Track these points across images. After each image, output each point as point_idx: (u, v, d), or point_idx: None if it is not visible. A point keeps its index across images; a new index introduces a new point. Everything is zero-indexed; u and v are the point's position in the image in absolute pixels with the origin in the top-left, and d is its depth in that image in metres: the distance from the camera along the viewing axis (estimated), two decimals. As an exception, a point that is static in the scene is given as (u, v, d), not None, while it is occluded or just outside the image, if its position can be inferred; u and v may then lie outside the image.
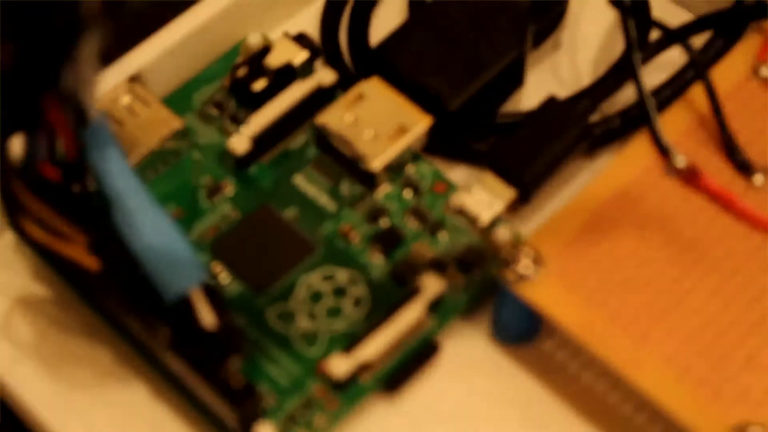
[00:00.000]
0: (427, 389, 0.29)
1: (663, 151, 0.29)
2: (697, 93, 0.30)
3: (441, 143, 0.31)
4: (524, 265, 0.27)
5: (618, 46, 0.33)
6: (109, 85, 0.31)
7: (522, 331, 0.29)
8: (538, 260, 0.27)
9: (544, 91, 0.31)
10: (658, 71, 0.32)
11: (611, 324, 0.27)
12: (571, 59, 0.33)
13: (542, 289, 0.27)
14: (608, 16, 0.34)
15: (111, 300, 0.27)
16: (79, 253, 0.27)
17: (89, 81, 0.26)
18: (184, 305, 0.26)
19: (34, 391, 0.28)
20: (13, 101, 0.25)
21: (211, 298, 0.26)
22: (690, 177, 0.29)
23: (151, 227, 0.26)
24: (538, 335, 0.29)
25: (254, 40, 0.32)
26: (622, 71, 0.31)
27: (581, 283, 0.27)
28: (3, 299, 0.29)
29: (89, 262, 0.27)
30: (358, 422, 0.28)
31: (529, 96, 0.32)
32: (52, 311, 0.30)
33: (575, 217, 0.28)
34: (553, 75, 0.33)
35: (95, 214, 0.27)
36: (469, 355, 0.29)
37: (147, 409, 0.28)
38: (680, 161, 0.29)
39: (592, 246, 0.28)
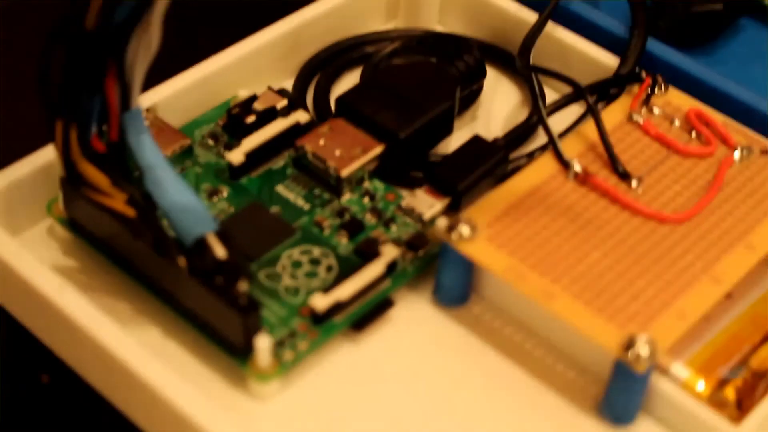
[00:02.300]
0: (383, 335, 0.35)
1: (564, 164, 0.37)
2: (587, 128, 0.38)
3: (386, 171, 0.38)
4: (464, 229, 0.34)
5: (522, 118, 0.41)
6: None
7: (457, 293, 0.35)
8: (473, 226, 0.35)
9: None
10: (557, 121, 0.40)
11: (530, 270, 0.34)
12: (485, 126, 0.41)
13: (477, 246, 0.34)
14: (514, 99, 0.42)
15: (141, 242, 0.33)
16: (120, 205, 0.33)
17: (142, 67, 0.33)
18: (200, 246, 0.32)
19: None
20: (83, 62, 0.32)
21: (222, 239, 0.33)
22: (584, 179, 0.36)
23: (175, 190, 0.33)
24: (469, 300, 0.36)
25: (244, 93, 0.39)
26: (529, 119, 0.40)
27: (506, 244, 0.34)
28: (44, 269, 0.34)
29: (128, 211, 0.33)
30: (330, 354, 0.34)
31: (455, 144, 0.40)
32: (81, 277, 0.35)
33: (499, 203, 0.35)
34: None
35: (131, 178, 0.34)
36: (415, 313, 0.35)
37: (163, 343, 0.34)
38: (577, 166, 0.36)
39: (514, 221, 0.35)
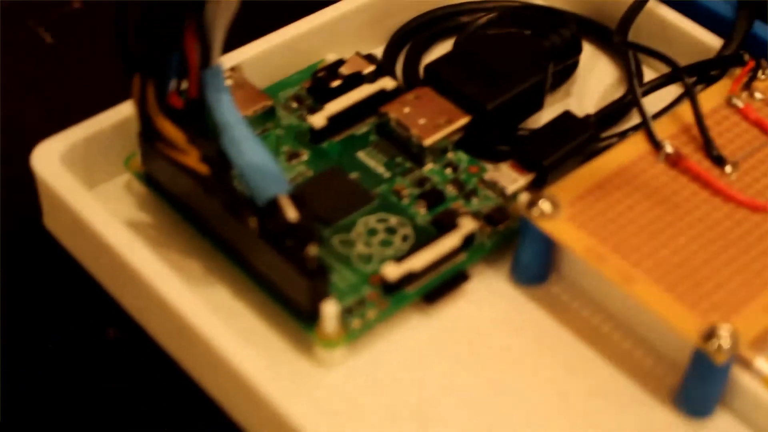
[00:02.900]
0: (455, 310, 0.33)
1: (655, 145, 0.35)
2: (683, 110, 0.36)
3: (471, 143, 0.37)
4: (545, 206, 0.33)
5: (617, 97, 0.39)
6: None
7: (536, 271, 0.34)
8: (555, 204, 0.33)
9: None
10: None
11: (611, 251, 0.32)
12: (578, 103, 0.40)
13: (558, 224, 0.33)
14: (610, 77, 0.41)
15: (214, 199, 0.32)
16: (194, 162, 0.32)
17: (223, 24, 0.32)
18: (273, 207, 0.31)
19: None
20: (161, 18, 0.31)
21: (295, 201, 0.32)
22: (676, 161, 0.34)
23: (251, 150, 0.32)
24: (548, 280, 0.34)
25: (332, 57, 0.38)
26: (624, 97, 0.38)
27: (588, 223, 0.33)
28: (116, 223, 0.34)
29: (202, 168, 0.32)
30: (399, 325, 0.33)
31: (545, 119, 0.38)
32: (153, 232, 0.35)
33: (583, 181, 0.34)
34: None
35: (207, 135, 0.33)
36: (491, 289, 0.34)
37: (230, 304, 0.33)
38: (668, 148, 0.35)
39: (597, 201, 0.33)
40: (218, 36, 0.32)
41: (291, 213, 0.31)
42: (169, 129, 0.32)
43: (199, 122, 0.33)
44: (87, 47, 0.43)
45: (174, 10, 0.31)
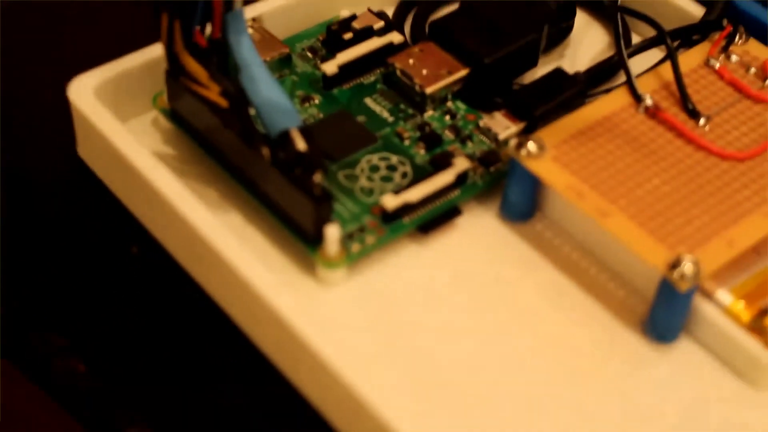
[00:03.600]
0: (448, 241, 0.36)
1: (636, 98, 0.38)
2: (665, 69, 0.39)
3: (470, 95, 0.39)
4: (532, 147, 0.36)
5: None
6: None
7: (522, 209, 0.37)
8: (541, 146, 0.36)
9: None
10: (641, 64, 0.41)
11: (590, 189, 0.35)
12: (570, 64, 0.43)
13: (542, 163, 0.35)
14: (602, 43, 0.43)
15: (232, 131, 0.35)
16: (215, 96, 0.35)
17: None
18: (284, 139, 0.34)
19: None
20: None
21: (304, 135, 0.34)
22: (654, 113, 0.37)
23: (267, 87, 0.35)
24: (533, 218, 0.37)
25: (345, 13, 0.41)
26: (611, 58, 0.41)
27: (570, 164, 0.35)
28: (143, 150, 0.36)
29: (221, 102, 0.35)
30: (396, 252, 0.36)
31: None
32: (177, 163, 0.38)
33: (568, 128, 0.36)
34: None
35: (228, 73, 0.36)
36: (481, 224, 0.37)
37: (242, 228, 0.36)
38: (648, 100, 0.37)
39: (581, 145, 0.36)
40: (240, -19, 0.35)
41: (300, 144, 0.34)
42: (193, 65, 0.35)
43: (221, 61, 0.36)
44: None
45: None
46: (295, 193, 0.34)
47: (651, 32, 0.41)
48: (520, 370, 0.33)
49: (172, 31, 0.35)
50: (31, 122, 0.40)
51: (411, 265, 0.36)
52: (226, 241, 0.34)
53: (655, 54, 0.41)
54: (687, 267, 0.33)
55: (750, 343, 0.33)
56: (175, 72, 0.36)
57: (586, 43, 0.43)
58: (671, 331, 0.34)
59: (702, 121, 0.37)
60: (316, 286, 0.35)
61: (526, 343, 0.34)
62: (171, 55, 0.36)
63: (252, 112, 0.35)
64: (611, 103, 0.38)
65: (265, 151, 0.34)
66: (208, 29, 0.35)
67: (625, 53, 0.39)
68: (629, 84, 0.38)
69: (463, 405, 0.32)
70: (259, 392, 0.34)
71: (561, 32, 0.42)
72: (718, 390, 0.33)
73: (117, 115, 0.37)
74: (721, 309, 0.34)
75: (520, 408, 0.33)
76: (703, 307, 0.34)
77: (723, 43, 0.40)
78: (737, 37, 0.40)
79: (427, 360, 0.33)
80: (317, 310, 0.34)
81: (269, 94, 0.35)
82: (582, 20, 0.44)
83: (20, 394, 0.34)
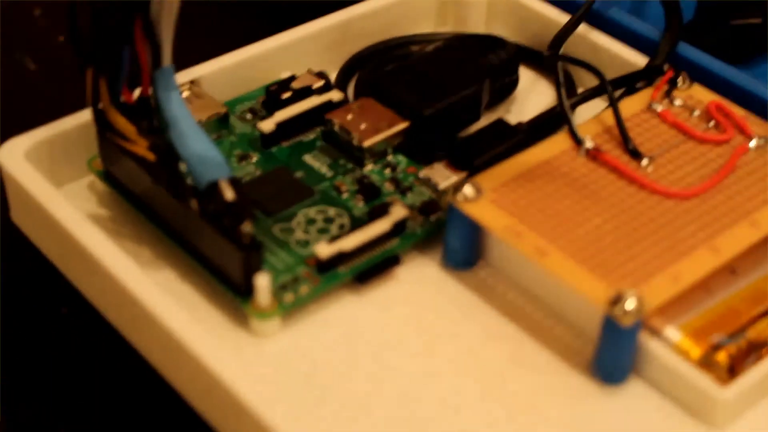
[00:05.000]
0: (388, 291, 0.34)
1: (577, 141, 0.36)
2: (606, 115, 0.37)
3: (412, 149, 0.38)
4: (468, 190, 0.34)
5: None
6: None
7: (463, 256, 0.35)
8: (478, 189, 0.34)
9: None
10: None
11: (528, 230, 0.33)
12: (516, 119, 0.41)
13: (480, 206, 0.34)
14: (548, 98, 0.42)
15: (161, 186, 0.34)
16: (143, 150, 0.34)
17: (169, 24, 0.33)
18: (213, 190, 0.33)
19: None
20: (108, 16, 0.33)
21: (233, 185, 0.33)
22: (595, 155, 0.35)
23: (196, 141, 0.33)
24: (476, 266, 0.35)
25: (286, 74, 0.40)
26: (554, 108, 0.39)
27: (509, 206, 0.34)
28: (82, 220, 0.34)
29: (149, 156, 0.34)
30: (333, 304, 0.34)
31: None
32: (112, 225, 0.36)
33: (507, 172, 0.35)
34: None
35: (154, 128, 0.34)
36: (423, 274, 0.35)
37: (176, 285, 0.34)
38: (588, 143, 0.36)
39: (519, 187, 0.34)
40: (166, 36, 0.33)
41: (228, 194, 0.32)
42: (121, 122, 0.34)
43: (149, 116, 0.34)
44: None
45: (121, 8, 0.32)
46: (224, 244, 0.32)
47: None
48: (465, 416, 0.31)
49: (98, 88, 0.34)
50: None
51: (350, 317, 0.34)
52: (155, 298, 0.32)
53: (601, 105, 0.40)
54: (629, 302, 0.31)
55: (702, 380, 0.31)
56: (102, 127, 0.34)
57: (533, 97, 0.42)
58: (619, 371, 0.32)
59: (645, 161, 0.35)
60: (250, 339, 0.33)
61: (469, 389, 0.32)
62: (97, 112, 0.34)
63: (183, 167, 0.33)
64: (552, 147, 0.36)
65: (194, 204, 0.33)
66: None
67: (565, 99, 0.37)
68: (569, 127, 0.36)
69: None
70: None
71: (506, 87, 0.41)
72: (672, 431, 0.31)
73: (51, 180, 0.36)
74: (670, 346, 0.32)
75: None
76: (651, 345, 0.32)
77: (666, 87, 0.38)
78: (680, 82, 0.38)
79: (365, 411, 0.31)
80: (251, 363, 0.32)
81: (198, 147, 0.33)
82: (530, 75, 0.42)
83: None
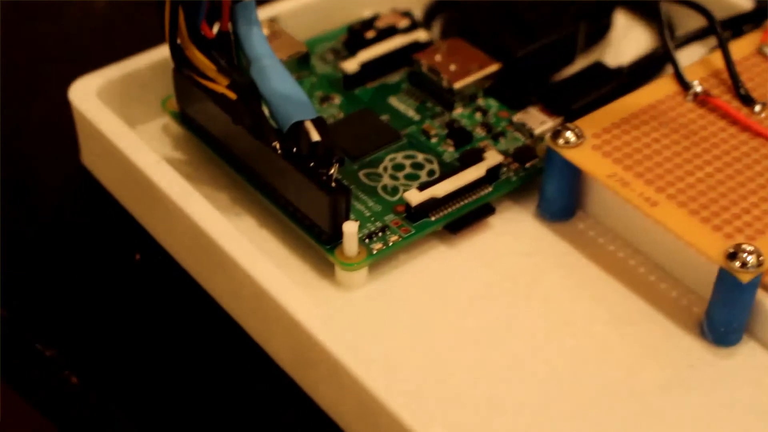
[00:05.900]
0: (480, 242, 0.32)
1: (684, 85, 0.33)
2: (714, 58, 0.34)
3: (503, 92, 0.35)
4: (570, 135, 0.31)
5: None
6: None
7: (561, 206, 0.32)
8: (580, 135, 0.31)
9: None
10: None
11: (635, 178, 0.30)
12: (614, 61, 0.38)
13: (581, 152, 0.31)
14: (646, 42, 0.39)
15: (240, 126, 0.31)
16: (223, 89, 0.31)
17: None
18: (297, 131, 0.30)
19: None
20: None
21: (318, 127, 0.30)
22: (704, 100, 0.33)
23: (279, 79, 0.31)
24: (574, 217, 0.32)
25: (368, 13, 0.37)
26: (656, 50, 0.36)
27: (613, 153, 0.31)
28: (157, 161, 0.32)
29: (230, 94, 0.31)
30: (423, 253, 0.31)
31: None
32: (188, 168, 0.34)
33: (609, 116, 0.32)
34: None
35: (235, 65, 0.32)
36: (517, 224, 0.32)
37: (256, 232, 0.32)
38: (697, 87, 0.33)
39: (624, 133, 0.31)
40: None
41: (314, 135, 0.30)
42: (200, 58, 0.31)
43: (229, 52, 0.32)
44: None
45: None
46: (309, 188, 0.30)
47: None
48: (561, 378, 0.29)
49: (176, 22, 0.31)
50: (31, 127, 0.36)
51: (440, 267, 0.31)
52: (239, 245, 0.30)
53: (700, 51, 0.37)
54: (748, 256, 0.28)
55: (823, 342, 0.28)
56: (179, 64, 0.32)
57: (628, 42, 0.39)
58: (733, 332, 0.29)
59: (758, 107, 0.32)
60: (335, 290, 0.30)
61: (566, 349, 0.29)
62: (175, 48, 0.32)
63: (264, 108, 0.31)
64: (656, 91, 0.33)
65: (277, 145, 0.30)
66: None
67: (669, 40, 0.34)
68: (675, 70, 0.33)
69: (495, 414, 0.28)
70: (268, 404, 0.29)
71: (599, 30, 0.38)
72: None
73: (125, 120, 0.33)
74: (789, 306, 0.29)
75: (559, 417, 0.28)
76: (766, 303, 0.29)
77: (776, 30, 0.35)
78: (791, 24, 0.35)
79: (455, 367, 0.29)
80: (336, 315, 0.30)
81: (281, 87, 0.31)
82: (623, 20, 0.39)
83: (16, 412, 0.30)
